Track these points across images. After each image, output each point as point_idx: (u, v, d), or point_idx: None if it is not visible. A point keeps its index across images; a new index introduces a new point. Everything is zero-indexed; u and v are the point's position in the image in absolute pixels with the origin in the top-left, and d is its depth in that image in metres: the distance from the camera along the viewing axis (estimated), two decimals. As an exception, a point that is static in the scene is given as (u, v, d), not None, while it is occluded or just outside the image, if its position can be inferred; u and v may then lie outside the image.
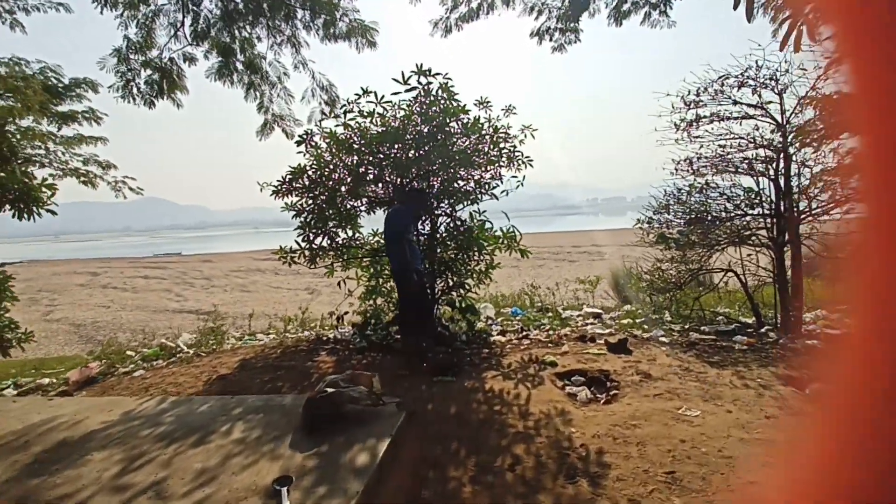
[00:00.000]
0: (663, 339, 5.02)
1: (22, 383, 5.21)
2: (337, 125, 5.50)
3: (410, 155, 5.42)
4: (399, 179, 5.53)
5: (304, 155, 5.68)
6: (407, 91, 5.14)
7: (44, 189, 5.48)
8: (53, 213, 5.79)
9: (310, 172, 5.65)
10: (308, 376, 4.50)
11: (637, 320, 5.82)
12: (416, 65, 5.01)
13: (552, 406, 3.48)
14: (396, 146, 5.38)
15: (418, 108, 5.29)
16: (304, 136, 5.62)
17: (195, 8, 5.19)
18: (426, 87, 5.15)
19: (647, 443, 2.81)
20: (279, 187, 5.68)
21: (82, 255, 55.95)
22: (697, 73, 5.79)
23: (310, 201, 5.70)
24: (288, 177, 5.66)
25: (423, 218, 5.46)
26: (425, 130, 5.27)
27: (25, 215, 5.47)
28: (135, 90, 5.76)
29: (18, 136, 8.17)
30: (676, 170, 5.62)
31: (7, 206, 5.32)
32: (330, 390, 2.75)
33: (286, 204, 5.75)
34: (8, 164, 4.55)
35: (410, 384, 4.09)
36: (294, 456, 2.50)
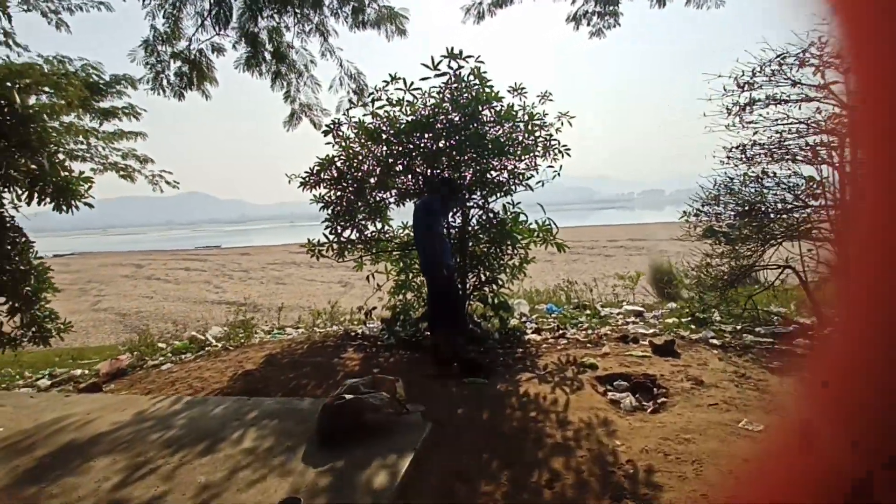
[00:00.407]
0: (714, 340, 4.64)
1: (57, 374, 5.27)
2: (365, 114, 5.33)
3: (441, 144, 5.19)
4: (429, 170, 5.31)
5: (333, 146, 5.53)
6: (437, 76, 4.90)
7: (81, 182, 5.51)
8: (90, 206, 5.83)
9: (338, 164, 5.49)
10: (333, 374, 4.34)
11: (683, 319, 5.43)
12: (447, 48, 4.75)
13: (593, 414, 3.19)
14: (426, 135, 5.16)
15: (449, 95, 5.04)
16: (332, 126, 5.46)
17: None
18: (457, 73, 4.90)
19: (704, 461, 2.50)
20: (307, 179, 5.55)
21: (127, 248, 58.31)
22: (752, 51, 5.30)
23: (338, 193, 5.55)
24: (316, 168, 5.53)
25: (454, 210, 5.22)
26: (456, 119, 5.02)
27: (64, 207, 5.52)
28: (164, 82, 5.72)
29: (62, 132, 8.37)
30: (728, 158, 5.19)
31: (47, 200, 5.37)
32: (348, 397, 2.55)
33: (314, 196, 5.61)
34: (36, 154, 4.54)
35: (439, 385, 3.87)
36: (306, 472, 2.31)
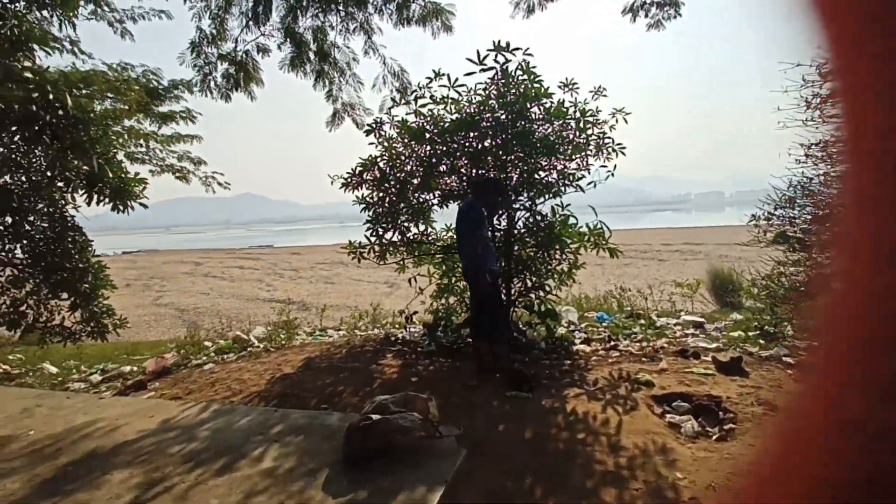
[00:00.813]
0: (788, 358, 4.17)
1: (108, 369, 5.43)
2: (408, 113, 5.18)
3: (486, 143, 4.96)
4: (473, 170, 5.10)
5: (375, 146, 5.42)
6: (482, 71, 4.68)
7: (136, 183, 5.67)
8: (144, 206, 5.99)
9: (380, 164, 5.38)
10: (370, 381, 4.20)
11: (751, 333, 4.95)
12: (494, 41, 4.52)
13: (649, 439, 2.87)
14: (471, 134, 4.95)
15: (495, 91, 4.81)
16: (374, 125, 5.35)
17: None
18: (504, 67, 4.66)
19: None
20: (349, 180, 5.47)
21: (188, 247, 61.42)
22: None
23: (380, 194, 5.44)
24: (358, 169, 5.44)
25: (500, 212, 4.98)
26: (503, 116, 4.79)
27: (120, 207, 5.70)
28: (212, 84, 5.81)
29: (124, 135, 8.75)
30: (806, 156, 4.68)
31: (105, 200, 5.55)
32: (375, 417, 2.35)
33: (356, 197, 5.53)
34: (86, 155, 4.67)
35: (480, 398, 3.65)
36: (325, 502, 2.13)
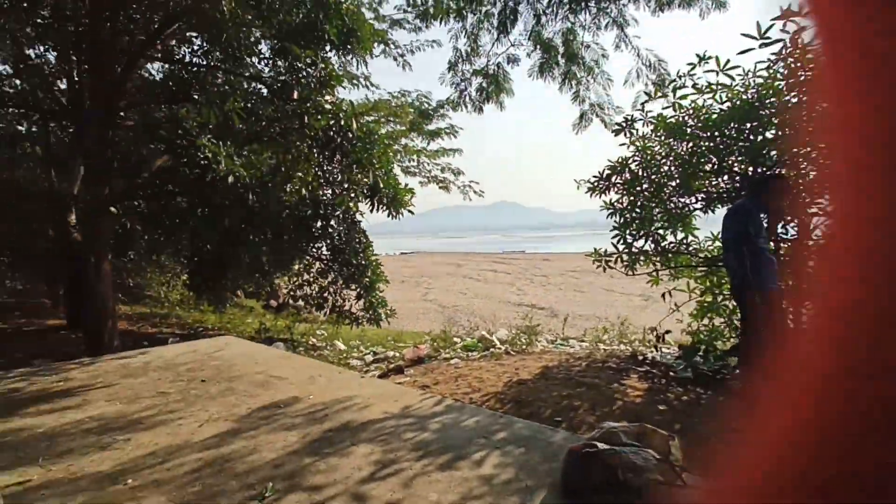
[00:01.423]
0: None
1: (378, 352, 6.40)
2: (665, 107, 4.62)
3: (768, 135, 4.06)
4: (750, 168, 4.23)
5: (626, 146, 5.01)
6: (762, 46, 3.82)
7: (405, 193, 6.59)
8: (412, 212, 6.92)
9: (632, 166, 4.95)
10: (610, 401, 3.85)
11: None
12: (780, 7, 3.64)
13: None
14: (748, 125, 4.12)
15: (782, 70, 3.89)
16: (624, 123, 4.95)
17: (515, 7, 5.24)
18: (794, 38, 3.72)
19: None
20: (595, 184, 5.19)
21: (451, 249, 69.23)
22: None
23: (630, 198, 5.00)
24: (606, 172, 5.11)
25: (785, 219, 4.00)
26: (793, 100, 3.83)
27: (393, 213, 6.71)
28: (466, 98, 6.31)
29: (400, 152, 10.33)
30: None
31: (384, 207, 6.61)
32: (601, 446, 2.06)
33: (604, 203, 5.20)
34: (367, 170, 5.56)
35: (747, 447, 2.94)
36: None
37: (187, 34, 6.35)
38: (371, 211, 6.56)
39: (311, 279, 7.52)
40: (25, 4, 5.75)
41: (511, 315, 13.49)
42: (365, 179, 5.70)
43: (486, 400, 3.97)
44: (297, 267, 7.69)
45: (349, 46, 5.45)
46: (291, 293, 8.14)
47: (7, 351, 6.39)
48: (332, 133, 4.98)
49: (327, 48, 5.45)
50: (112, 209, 5.59)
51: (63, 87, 7.44)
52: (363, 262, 6.63)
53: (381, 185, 5.82)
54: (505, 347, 5.93)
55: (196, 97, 5.55)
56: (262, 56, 6.04)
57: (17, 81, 7.44)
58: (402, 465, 2.50)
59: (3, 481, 2.40)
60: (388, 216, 6.67)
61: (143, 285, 12.58)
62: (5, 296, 11.07)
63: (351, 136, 5.06)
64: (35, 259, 8.75)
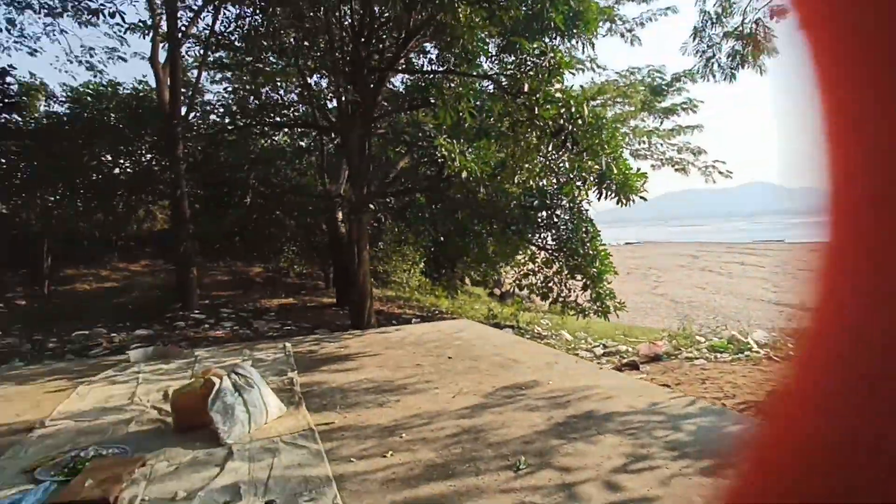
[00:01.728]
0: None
1: (608, 345, 6.12)
2: None
3: None
4: None
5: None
6: None
7: (637, 178, 6.14)
8: (644, 199, 6.42)
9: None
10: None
11: None
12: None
13: None
14: None
15: None
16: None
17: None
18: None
19: None
20: None
21: (685, 239, 62.03)
22: None
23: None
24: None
25: None
26: None
27: (623, 201, 6.33)
28: (715, 66, 5.46)
29: (629, 135, 9.65)
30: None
31: (612, 195, 6.30)
32: None
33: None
34: (597, 157, 5.31)
35: None
36: None
37: (424, 45, 7.07)
38: (598, 199, 6.31)
39: (536, 269, 7.64)
40: (307, 43, 7.20)
41: (768, 315, 11.50)
42: (596, 167, 5.49)
43: (743, 408, 3.45)
44: (521, 257, 7.91)
45: (574, 31, 5.30)
46: (517, 282, 8.41)
47: (300, 321, 8.17)
48: (562, 121, 4.93)
49: (553, 35, 5.41)
50: (370, 206, 6.61)
51: (332, 105, 9.13)
52: (590, 253, 6.44)
53: (613, 171, 5.53)
54: (765, 351, 5.04)
55: (433, 101, 6.15)
56: (489, 55, 6.34)
57: (301, 106, 9.58)
58: (657, 461, 2.38)
59: (316, 419, 3.09)
60: (617, 203, 6.31)
61: (389, 272, 14.60)
62: (295, 278, 14.16)
63: (581, 122, 4.93)
64: (314, 248, 11.32)
